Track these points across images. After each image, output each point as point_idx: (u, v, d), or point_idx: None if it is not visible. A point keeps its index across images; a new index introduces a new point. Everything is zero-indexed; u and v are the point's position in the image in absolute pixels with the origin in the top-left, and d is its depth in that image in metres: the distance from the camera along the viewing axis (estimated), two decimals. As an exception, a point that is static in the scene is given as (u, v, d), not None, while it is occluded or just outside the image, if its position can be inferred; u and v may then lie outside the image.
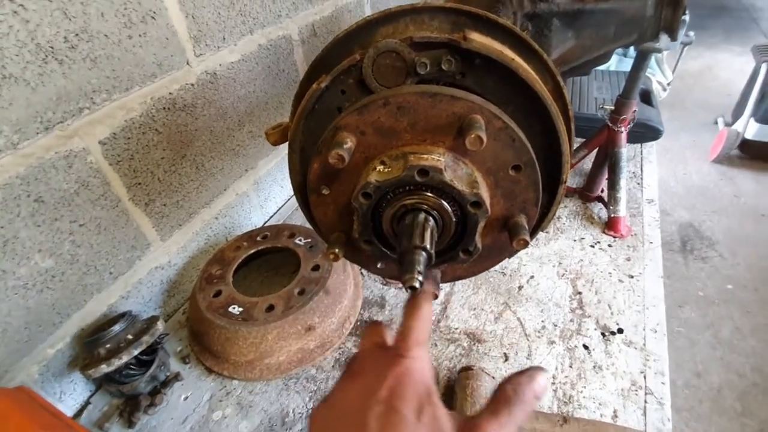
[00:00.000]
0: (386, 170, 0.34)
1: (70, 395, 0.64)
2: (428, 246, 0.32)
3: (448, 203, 0.34)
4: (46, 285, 0.56)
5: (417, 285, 0.29)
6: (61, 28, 0.50)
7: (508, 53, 0.35)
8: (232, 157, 0.81)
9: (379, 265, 0.43)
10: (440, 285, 0.44)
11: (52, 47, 0.50)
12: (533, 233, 0.42)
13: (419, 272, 0.30)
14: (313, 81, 0.39)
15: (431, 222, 0.34)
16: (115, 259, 0.64)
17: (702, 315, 1.80)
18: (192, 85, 0.68)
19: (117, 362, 0.58)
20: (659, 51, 0.70)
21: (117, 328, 0.61)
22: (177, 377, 0.66)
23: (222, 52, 0.72)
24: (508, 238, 0.36)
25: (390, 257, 0.40)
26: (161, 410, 0.63)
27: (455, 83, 0.36)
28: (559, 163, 0.38)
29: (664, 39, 0.70)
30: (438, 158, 0.33)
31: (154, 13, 0.59)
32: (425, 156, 0.33)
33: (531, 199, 0.36)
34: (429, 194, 0.34)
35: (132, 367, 0.62)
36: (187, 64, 0.67)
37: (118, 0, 0.55)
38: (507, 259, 0.43)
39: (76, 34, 0.51)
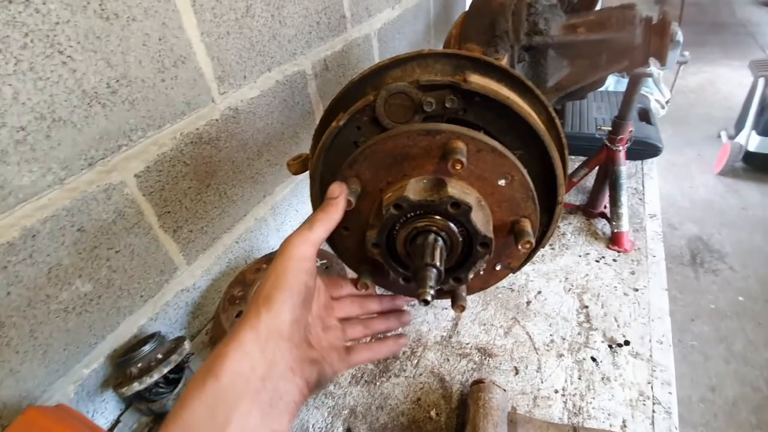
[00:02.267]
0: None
1: (102, 414, 0.67)
2: (438, 263, 0.36)
3: (455, 225, 0.38)
4: (84, 308, 0.61)
5: (429, 298, 0.33)
6: (104, 76, 0.56)
7: (505, 91, 0.40)
8: (252, 185, 0.86)
9: (401, 282, 0.47)
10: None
11: (96, 92, 0.56)
12: (534, 250, 0.46)
13: (431, 287, 0.34)
14: (332, 118, 0.44)
15: (440, 242, 0.38)
16: (146, 282, 0.69)
17: (715, 328, 1.79)
18: (216, 120, 0.74)
19: (148, 380, 0.62)
20: (650, 76, 0.74)
21: (147, 348, 0.65)
22: (202, 395, 0.69)
23: (243, 89, 0.78)
24: (513, 241, 0.40)
25: (406, 275, 0.44)
26: (188, 427, 0.66)
27: (458, 118, 0.41)
28: (554, 185, 0.42)
29: (654, 64, 0.75)
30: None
31: (185, 57, 0.65)
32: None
33: (528, 203, 0.40)
34: (437, 217, 0.38)
35: (161, 385, 0.66)
36: (212, 101, 0.73)
37: (154, 48, 0.61)
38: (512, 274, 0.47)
39: (117, 80, 0.57)
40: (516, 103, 0.38)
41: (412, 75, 0.42)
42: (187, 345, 0.67)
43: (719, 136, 3.01)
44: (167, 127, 0.66)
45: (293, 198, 1.01)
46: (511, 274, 0.46)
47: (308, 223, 0.37)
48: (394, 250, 0.42)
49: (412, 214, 0.39)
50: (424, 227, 0.38)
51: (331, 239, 0.45)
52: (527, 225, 0.38)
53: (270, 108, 0.86)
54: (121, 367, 0.64)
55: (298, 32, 0.88)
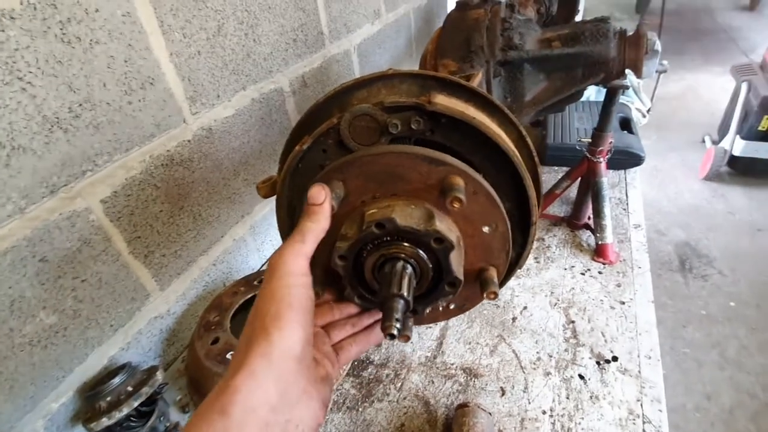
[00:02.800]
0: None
1: (72, 450, 0.64)
2: (405, 294, 0.34)
3: (423, 251, 0.37)
4: (50, 341, 0.58)
5: (395, 333, 0.31)
6: (66, 100, 0.54)
7: (471, 111, 0.39)
8: (229, 205, 0.85)
9: (356, 300, 0.45)
10: (428, 324, 0.46)
11: (57, 118, 0.54)
12: (510, 273, 0.45)
13: (397, 320, 0.32)
14: (297, 141, 0.43)
15: (409, 270, 0.36)
16: (116, 311, 0.66)
17: (707, 334, 1.78)
18: (188, 141, 0.72)
19: (118, 415, 0.59)
20: (627, 87, 0.74)
21: (117, 380, 0.62)
22: (176, 427, 0.66)
23: (217, 108, 0.77)
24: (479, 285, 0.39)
25: (362, 294, 0.42)
26: (162, 462, 0.63)
27: (425, 139, 0.40)
28: (528, 206, 0.41)
29: (631, 75, 0.75)
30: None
31: (153, 79, 0.64)
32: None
33: (501, 254, 0.39)
34: (406, 244, 0.36)
35: (132, 419, 0.63)
36: (184, 122, 0.71)
37: (119, 70, 0.59)
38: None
39: (80, 104, 0.56)
40: (483, 124, 0.37)
41: (377, 95, 0.41)
42: (159, 375, 0.64)
43: (703, 141, 3.05)
44: (135, 150, 0.64)
45: (273, 217, 0.99)
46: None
47: (299, 234, 0.33)
48: (359, 270, 0.40)
49: (387, 238, 0.37)
50: (392, 254, 0.37)
51: None
52: (494, 274, 0.38)
53: (246, 126, 0.84)
54: (90, 401, 0.61)
55: (274, 50, 0.87)
